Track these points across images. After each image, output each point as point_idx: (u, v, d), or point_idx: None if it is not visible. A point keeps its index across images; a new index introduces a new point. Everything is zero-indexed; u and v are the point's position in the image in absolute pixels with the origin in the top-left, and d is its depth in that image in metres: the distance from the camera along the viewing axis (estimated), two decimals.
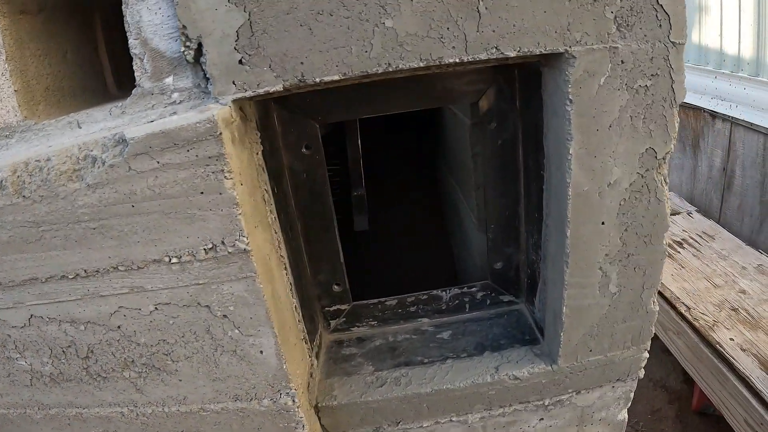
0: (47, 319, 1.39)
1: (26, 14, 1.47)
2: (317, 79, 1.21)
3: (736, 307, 3.05)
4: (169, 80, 1.30)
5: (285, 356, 1.42)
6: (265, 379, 1.45)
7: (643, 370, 1.78)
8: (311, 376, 1.62)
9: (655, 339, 3.40)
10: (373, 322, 1.80)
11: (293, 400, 1.48)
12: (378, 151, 2.35)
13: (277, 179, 1.52)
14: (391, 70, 1.19)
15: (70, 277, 1.32)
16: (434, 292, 1.77)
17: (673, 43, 1.23)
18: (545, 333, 1.68)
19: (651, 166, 1.39)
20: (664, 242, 1.53)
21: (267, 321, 1.36)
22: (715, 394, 2.88)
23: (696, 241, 3.70)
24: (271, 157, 1.48)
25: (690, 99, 4.22)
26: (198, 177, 1.19)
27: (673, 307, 3.14)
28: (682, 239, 3.74)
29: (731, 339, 2.80)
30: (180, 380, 1.47)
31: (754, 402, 2.61)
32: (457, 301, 1.80)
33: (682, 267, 3.44)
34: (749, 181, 3.98)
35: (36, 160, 1.23)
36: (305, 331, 1.61)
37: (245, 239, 1.26)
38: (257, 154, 1.40)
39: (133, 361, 1.43)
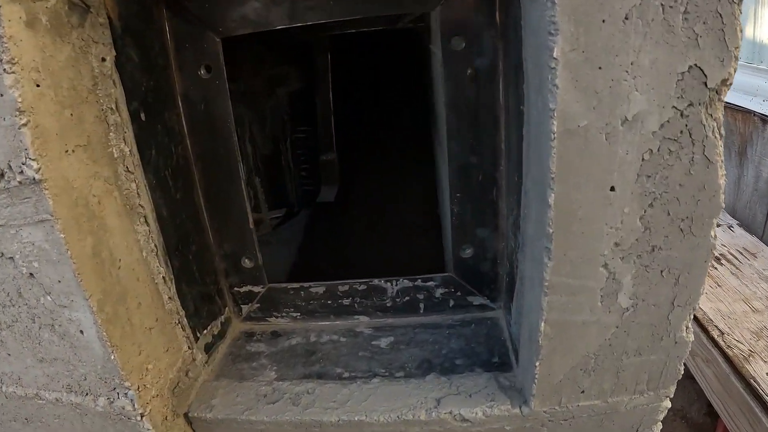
0: None
1: None
2: None
3: None
4: None
5: (113, 342, 0.97)
6: (93, 369, 1.01)
7: (660, 425, 1.10)
8: (186, 374, 1.09)
9: None
10: (295, 314, 1.23)
11: (133, 405, 1.02)
12: (365, 112, 1.74)
13: (155, 106, 1.08)
14: None
15: None
16: (375, 281, 1.20)
17: None
18: (519, 357, 1.04)
19: (697, 99, 0.81)
20: (712, 233, 0.92)
21: (78, 289, 0.91)
22: None
23: (736, 258, 3.01)
24: (145, 74, 1.05)
25: (739, 100, 3.48)
26: None
27: (705, 331, 2.52)
28: (721, 254, 3.06)
29: None
30: (9, 354, 1.06)
31: None
32: (407, 298, 1.20)
33: (719, 285, 2.78)
34: None
35: None
36: (183, 313, 1.12)
37: (34, 164, 0.83)
38: (102, 60, 0.96)
39: None
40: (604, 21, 0.76)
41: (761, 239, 3.06)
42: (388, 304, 1.23)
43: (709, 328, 2.36)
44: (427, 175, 1.57)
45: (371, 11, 1.03)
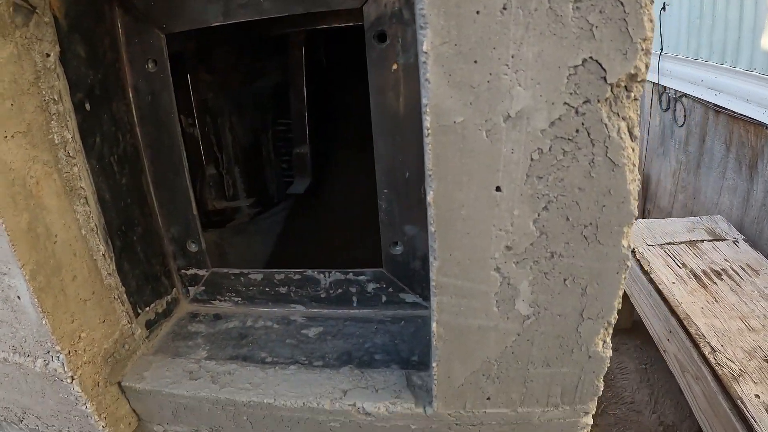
0: None
1: None
2: None
3: None
4: None
5: (45, 308, 0.98)
6: (31, 332, 1.03)
7: None
8: (123, 346, 1.08)
9: (674, 378, 2.47)
10: (237, 298, 1.22)
11: (63, 368, 1.03)
12: (343, 107, 1.68)
13: (102, 97, 1.07)
14: None
15: None
16: (309, 272, 1.15)
17: None
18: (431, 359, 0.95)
19: (595, 96, 0.71)
20: (625, 242, 0.84)
21: (13, 258, 0.93)
22: None
23: (737, 274, 2.69)
24: (91, 67, 1.04)
25: (751, 112, 3.10)
26: None
27: (696, 347, 2.28)
28: (722, 269, 2.74)
29: (757, 396, 1.94)
30: None
31: None
32: (340, 290, 1.15)
33: (716, 301, 2.51)
34: None
35: None
36: (124, 290, 1.13)
37: None
38: (47, 55, 0.97)
39: None
40: (478, 12, 0.68)
41: (767, 256, 2.73)
42: (322, 295, 1.20)
43: (701, 345, 2.16)
44: None
45: (299, 8, 0.97)
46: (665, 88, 4.06)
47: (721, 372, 2.04)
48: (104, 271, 1.09)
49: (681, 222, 3.25)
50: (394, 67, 1.02)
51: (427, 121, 0.75)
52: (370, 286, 1.19)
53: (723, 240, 2.97)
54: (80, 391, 1.05)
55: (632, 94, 0.75)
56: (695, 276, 2.68)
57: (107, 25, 1.08)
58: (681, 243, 2.98)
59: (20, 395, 1.16)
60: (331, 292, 1.21)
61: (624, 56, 0.71)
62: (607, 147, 0.76)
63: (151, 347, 1.19)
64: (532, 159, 0.77)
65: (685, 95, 3.84)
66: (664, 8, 4.08)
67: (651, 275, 2.71)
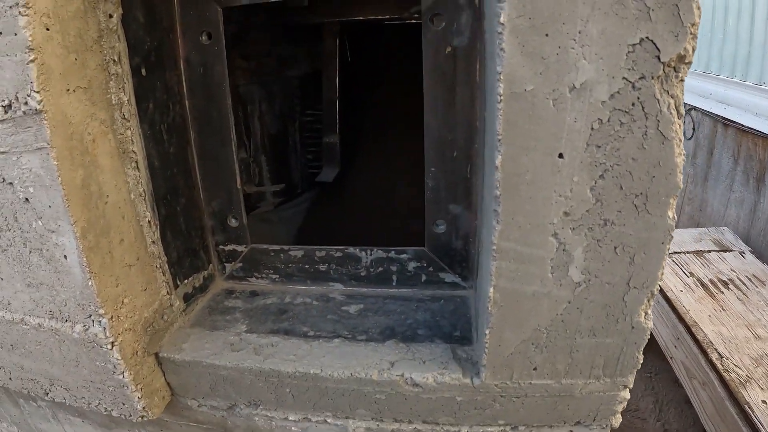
0: None
1: None
2: None
3: None
4: None
5: (92, 269, 1.02)
6: (73, 295, 1.06)
7: (619, 417, 1.06)
8: (162, 317, 1.15)
9: (678, 387, 2.61)
10: (274, 276, 1.27)
11: (105, 333, 1.06)
12: (373, 99, 1.78)
13: (156, 64, 1.14)
14: None
15: None
16: (350, 249, 1.22)
17: None
18: (477, 329, 1.03)
19: (650, 72, 0.80)
20: (670, 213, 0.87)
21: (65, 214, 0.98)
22: None
23: (743, 284, 2.89)
24: (148, 33, 1.11)
25: (760, 126, 3.31)
26: None
27: (704, 353, 2.42)
28: (729, 279, 2.93)
29: (764, 401, 2.09)
30: (2, 278, 1.13)
31: None
32: (380, 269, 1.22)
33: (723, 309, 2.67)
34: None
35: None
36: (165, 260, 1.19)
37: (37, 96, 0.91)
38: (110, 16, 1.03)
39: None
40: None
41: None
42: (362, 273, 1.25)
43: (709, 351, 2.26)
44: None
45: None
46: None
47: (729, 378, 2.14)
48: (149, 238, 1.13)
49: (688, 232, 3.39)
50: (448, 49, 1.08)
51: (500, 88, 0.84)
52: (411, 265, 1.24)
53: (730, 251, 3.12)
54: (119, 358, 1.06)
55: (680, 75, 0.85)
56: (702, 285, 2.80)
57: None
58: (688, 252, 3.10)
59: (50, 365, 1.17)
60: (372, 270, 1.26)
61: (675, 38, 0.81)
62: (658, 121, 0.86)
63: (188, 320, 1.22)
64: (592, 128, 0.87)
65: (694, 108, 4.01)
66: None
67: None
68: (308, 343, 1.10)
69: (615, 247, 0.91)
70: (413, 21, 1.45)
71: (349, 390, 1.06)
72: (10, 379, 1.28)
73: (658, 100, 0.82)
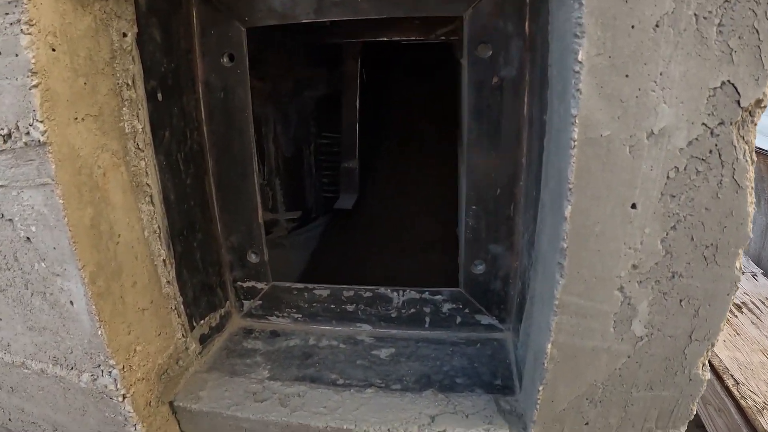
0: None
1: None
2: None
3: None
4: None
5: (102, 317, 0.92)
6: (80, 342, 0.96)
7: None
8: (177, 362, 1.04)
9: None
10: (297, 315, 1.17)
11: (115, 384, 0.96)
12: (392, 122, 1.70)
13: (174, 88, 1.04)
14: None
15: None
16: (381, 290, 1.13)
17: None
18: (523, 381, 0.96)
19: (729, 118, 0.76)
20: (738, 264, 0.80)
21: (72, 257, 0.87)
22: None
23: (757, 307, 2.81)
24: (166, 55, 1.01)
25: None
26: None
27: (720, 379, 2.31)
28: (742, 302, 2.84)
29: None
30: (0, 319, 1.02)
31: None
32: (413, 310, 1.13)
33: (737, 334, 2.59)
34: None
35: None
36: (181, 300, 1.07)
37: (40, 126, 0.81)
38: (123, 35, 0.93)
39: None
40: (633, 27, 0.71)
41: None
42: (393, 315, 1.16)
43: (725, 377, 2.21)
44: (450, 189, 1.52)
45: (399, 11, 0.99)
46: None
47: (745, 405, 2.10)
48: (164, 279, 1.02)
49: None
50: (495, 80, 0.98)
51: (575, 133, 0.77)
52: (446, 307, 1.14)
53: (742, 273, 3.13)
54: (131, 411, 0.95)
55: (755, 119, 0.80)
56: None
57: (183, 12, 1.02)
58: None
59: (54, 411, 1.06)
60: (403, 311, 1.15)
61: (756, 82, 0.75)
62: (734, 169, 0.80)
63: (204, 364, 1.11)
64: (668, 177, 0.80)
65: None
66: None
67: None
68: (338, 393, 1.01)
69: (681, 300, 0.85)
70: (438, 41, 1.37)
71: None
72: (9, 419, 1.17)
73: (735, 147, 0.76)
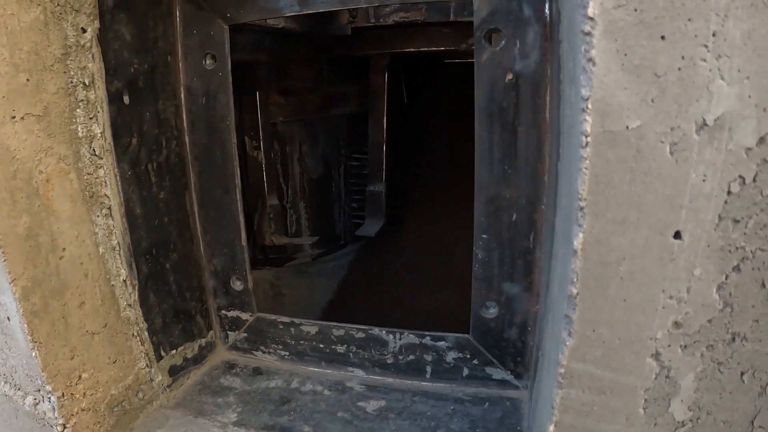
0: None
1: None
2: None
3: None
4: None
5: (36, 338, 0.75)
6: (20, 362, 0.80)
7: None
8: (137, 394, 0.83)
9: None
10: (283, 352, 0.96)
11: (54, 412, 0.78)
12: (426, 143, 1.45)
13: (146, 91, 0.87)
14: None
15: None
16: (374, 331, 0.89)
17: None
18: None
19: None
20: None
21: (2, 269, 0.71)
22: None
23: None
24: (138, 54, 0.85)
25: None
26: None
27: None
28: None
29: None
30: None
31: None
32: (411, 356, 0.88)
33: None
34: None
35: None
36: (145, 326, 0.91)
37: None
38: (82, 30, 0.77)
39: None
40: None
41: None
42: (389, 361, 0.91)
43: None
44: None
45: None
46: None
47: None
48: (123, 301, 0.84)
49: None
50: (509, 77, 0.74)
51: (587, 124, 0.49)
52: (450, 355, 0.87)
53: None
54: None
55: None
56: None
57: (163, 9, 0.87)
58: None
59: (11, 430, 0.96)
60: (401, 357, 0.90)
61: None
62: None
63: (172, 399, 0.91)
64: (729, 192, 0.50)
65: None
66: None
67: None
68: None
69: (742, 373, 0.55)
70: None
71: None
72: None
73: None
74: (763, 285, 0.52)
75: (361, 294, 1.31)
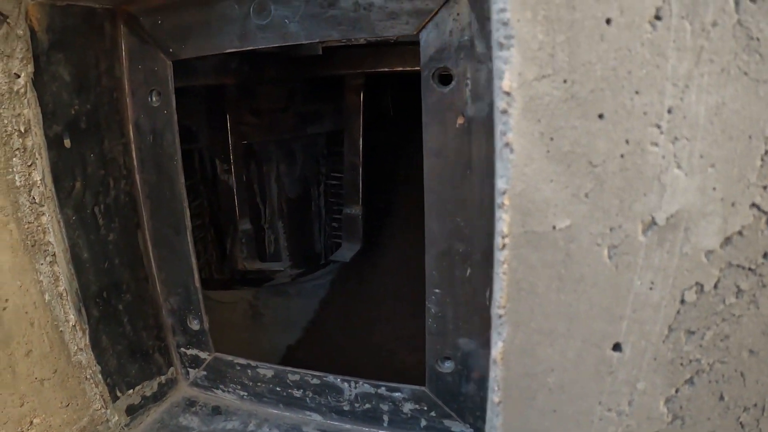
0: None
1: None
2: None
3: None
4: None
5: None
6: None
7: None
8: None
9: None
10: (242, 392, 0.89)
11: None
12: (405, 163, 1.33)
13: (89, 132, 0.78)
14: None
15: None
16: (329, 378, 0.80)
17: None
18: None
19: None
20: None
21: None
22: None
23: None
24: (78, 95, 0.76)
25: None
26: None
27: None
28: None
29: None
30: None
31: None
32: (368, 405, 0.80)
33: None
34: None
35: None
36: (99, 369, 0.82)
37: None
38: (15, 76, 0.68)
39: None
40: (609, 22, 0.33)
41: None
42: (345, 407, 0.83)
43: None
44: None
45: (333, 33, 0.65)
46: None
47: None
48: (73, 346, 0.78)
49: None
50: (460, 121, 0.64)
51: (504, 223, 0.38)
52: (407, 406, 0.78)
53: None
54: None
55: None
56: None
57: (106, 44, 0.79)
58: None
59: None
60: (357, 405, 0.81)
61: None
62: None
63: None
64: (683, 301, 0.40)
65: None
66: None
67: None
68: None
69: None
70: None
71: None
72: None
73: None
74: (722, 398, 0.41)
75: (340, 314, 1.23)
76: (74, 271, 0.77)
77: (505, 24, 0.34)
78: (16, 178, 0.71)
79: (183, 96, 0.83)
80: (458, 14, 0.64)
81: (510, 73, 0.35)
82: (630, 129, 0.36)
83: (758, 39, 0.34)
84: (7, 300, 0.71)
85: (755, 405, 0.44)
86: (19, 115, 0.70)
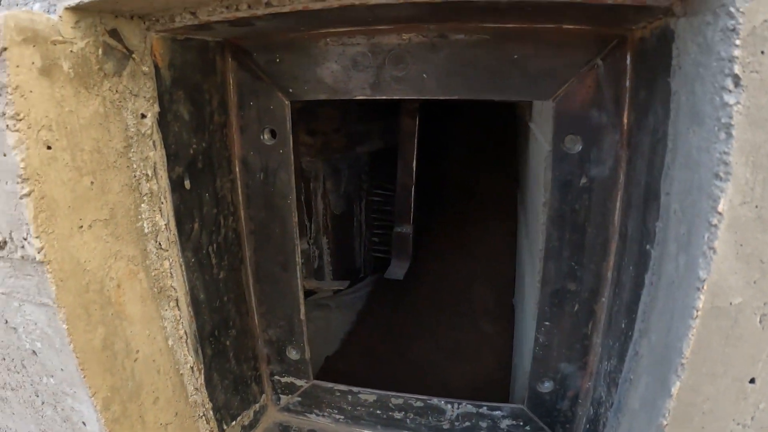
0: None
1: None
2: None
3: None
4: None
5: None
6: None
7: None
8: None
9: None
10: (338, 416, 1.03)
11: None
12: (450, 183, 1.51)
13: (205, 171, 0.87)
14: None
15: None
16: (434, 401, 0.96)
17: None
18: None
19: None
20: None
21: (81, 383, 0.72)
22: None
23: None
24: (196, 133, 0.84)
25: None
26: None
27: None
28: None
29: None
30: (13, 413, 0.89)
31: None
32: (467, 424, 0.97)
33: None
34: None
35: None
36: (210, 406, 0.93)
37: (36, 242, 0.65)
38: (142, 116, 0.76)
39: None
40: None
41: None
42: (445, 426, 0.96)
43: None
44: (508, 261, 1.33)
45: (472, 94, 0.80)
46: None
47: None
48: (191, 387, 0.85)
49: None
50: (584, 180, 0.79)
51: (699, 301, 0.58)
52: (505, 423, 0.94)
53: None
54: None
55: None
56: None
57: (218, 79, 0.84)
58: None
59: None
60: (457, 424, 0.96)
61: None
62: None
63: None
64: None
65: None
66: None
67: None
68: None
69: None
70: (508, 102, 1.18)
71: None
72: None
73: None
74: None
75: (379, 327, 1.39)
76: (193, 313, 0.84)
77: (726, 164, 0.53)
78: (144, 224, 0.76)
79: None
80: (594, 81, 0.76)
81: (725, 198, 0.54)
82: None
83: None
84: (138, 351, 0.76)
85: None
86: (146, 158, 0.74)
